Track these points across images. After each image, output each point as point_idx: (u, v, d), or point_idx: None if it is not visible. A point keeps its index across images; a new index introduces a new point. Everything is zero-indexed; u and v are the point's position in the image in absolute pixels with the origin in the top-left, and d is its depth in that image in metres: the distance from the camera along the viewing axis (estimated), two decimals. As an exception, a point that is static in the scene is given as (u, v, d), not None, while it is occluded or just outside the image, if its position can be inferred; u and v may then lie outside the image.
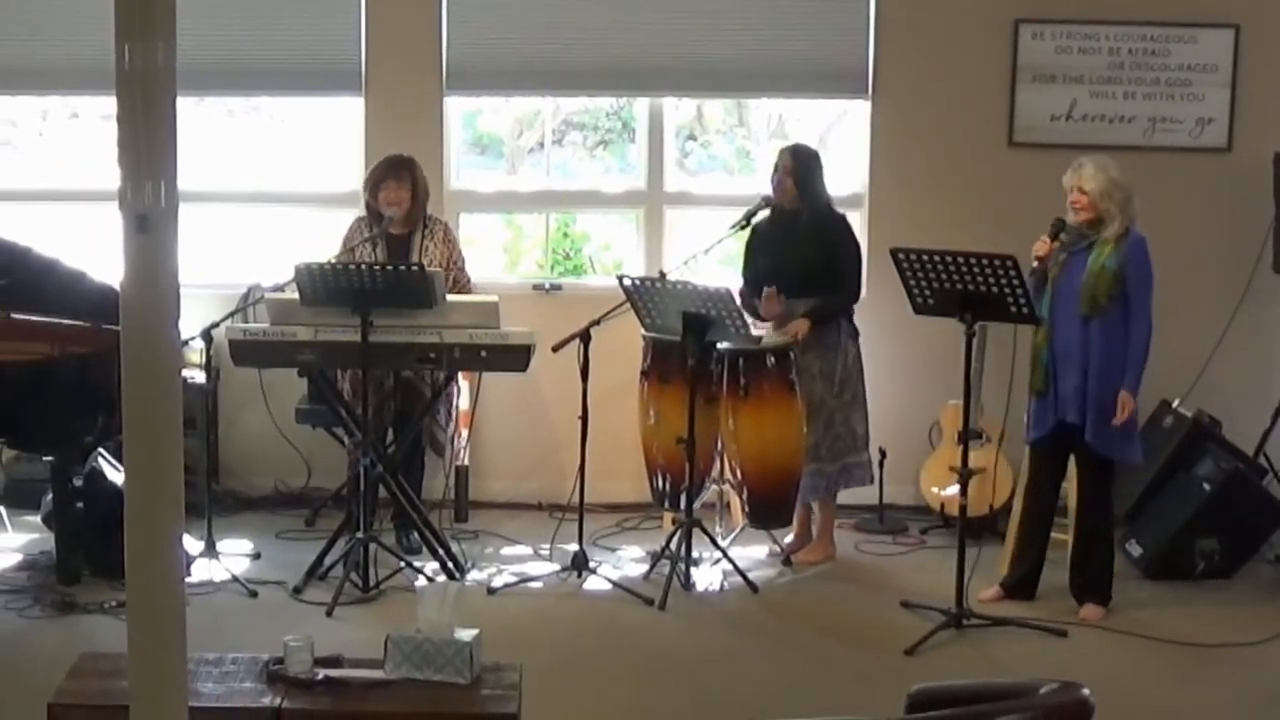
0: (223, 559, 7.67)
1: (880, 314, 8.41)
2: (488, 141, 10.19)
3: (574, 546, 7.80)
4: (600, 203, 9.75)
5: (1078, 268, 7.17)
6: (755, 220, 8.11)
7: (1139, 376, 7.14)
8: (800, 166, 8.04)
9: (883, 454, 8.56)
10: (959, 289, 6.94)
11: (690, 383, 7.56)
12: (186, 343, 7.44)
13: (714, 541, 7.85)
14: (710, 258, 8.25)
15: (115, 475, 7.50)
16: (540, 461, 9.07)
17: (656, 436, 7.94)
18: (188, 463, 3.85)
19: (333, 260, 7.55)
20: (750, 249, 8.26)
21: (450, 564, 7.72)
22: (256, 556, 8.02)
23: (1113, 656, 6.87)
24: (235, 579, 7.50)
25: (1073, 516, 7.62)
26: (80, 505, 7.42)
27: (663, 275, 7.83)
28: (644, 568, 7.90)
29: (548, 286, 9.26)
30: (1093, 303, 7.12)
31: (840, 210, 8.22)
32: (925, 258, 7.00)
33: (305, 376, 8.05)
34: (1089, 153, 7.33)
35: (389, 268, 7.34)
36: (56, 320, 7.68)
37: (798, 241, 7.99)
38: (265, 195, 9.44)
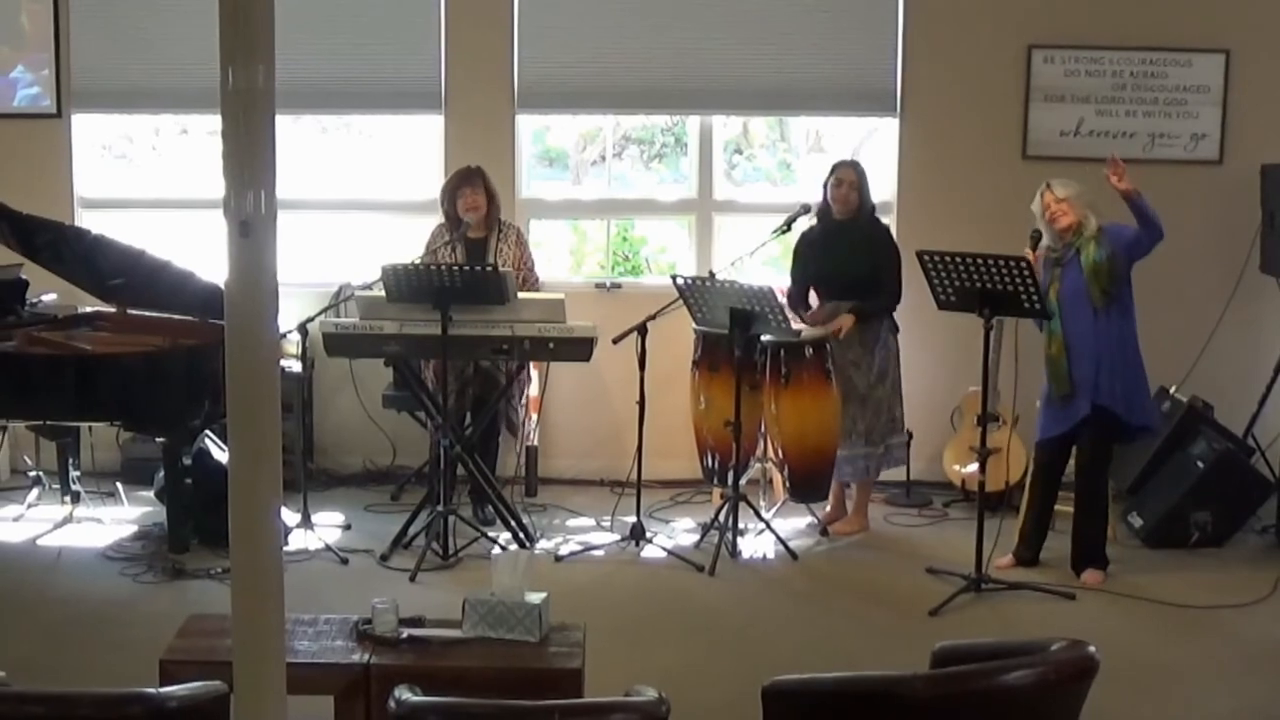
0: (317, 530, 7.70)
1: (907, 310, 8.31)
2: (555, 155, 10.18)
3: (632, 518, 7.78)
4: (656, 210, 9.72)
5: (1074, 274, 7.15)
6: (803, 227, 8.07)
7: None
8: (864, 181, 8.00)
9: (909, 435, 8.52)
10: (978, 287, 6.91)
11: (736, 371, 7.54)
12: (284, 336, 7.44)
13: (758, 514, 7.83)
14: (755, 259, 8.21)
15: (220, 455, 7.52)
16: (602, 442, 9.06)
17: (706, 420, 7.92)
18: (285, 443, 3.86)
19: (416, 261, 7.55)
20: (799, 254, 8.21)
21: (521, 534, 7.72)
22: (347, 527, 8.04)
23: (1116, 617, 6.84)
24: (328, 548, 7.53)
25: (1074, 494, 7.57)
26: (189, 482, 7.44)
27: (712, 275, 7.79)
28: (695, 538, 7.88)
29: (608, 285, 9.24)
30: (1103, 295, 7.09)
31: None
32: (948, 259, 6.97)
33: (391, 366, 8.07)
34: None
35: (466, 268, 7.35)
36: (168, 315, 7.74)
37: (849, 250, 7.94)
38: (355, 203, 9.45)
